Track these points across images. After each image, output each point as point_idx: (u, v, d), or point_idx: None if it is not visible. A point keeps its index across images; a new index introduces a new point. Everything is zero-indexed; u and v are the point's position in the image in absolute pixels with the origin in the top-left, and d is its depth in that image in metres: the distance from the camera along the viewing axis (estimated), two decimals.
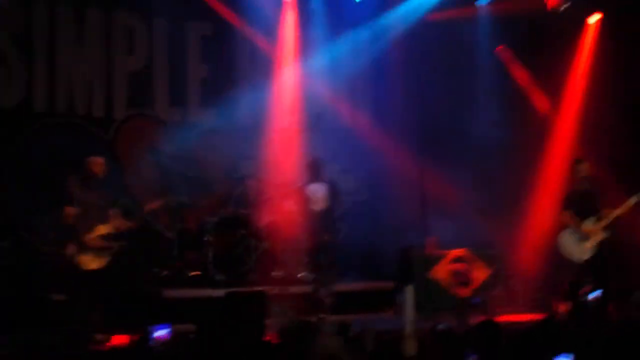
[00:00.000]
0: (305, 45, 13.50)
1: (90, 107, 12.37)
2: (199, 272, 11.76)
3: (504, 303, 11.64)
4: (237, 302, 9.02)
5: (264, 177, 12.99)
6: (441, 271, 11.68)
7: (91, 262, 9.18)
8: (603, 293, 9.89)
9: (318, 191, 10.78)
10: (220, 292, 9.99)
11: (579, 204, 10.47)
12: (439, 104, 13.23)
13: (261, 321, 8.77)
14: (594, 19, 13.47)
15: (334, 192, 10.89)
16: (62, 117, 12.17)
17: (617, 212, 10.32)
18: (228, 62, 13.27)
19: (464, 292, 11.71)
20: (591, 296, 9.96)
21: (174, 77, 12.93)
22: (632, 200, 10.23)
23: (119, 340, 8.49)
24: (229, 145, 12.85)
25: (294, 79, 13.40)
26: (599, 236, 10.35)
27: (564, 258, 10.58)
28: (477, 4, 13.62)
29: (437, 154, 12.68)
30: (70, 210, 9.21)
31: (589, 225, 10.41)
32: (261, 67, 13.41)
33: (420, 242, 11.78)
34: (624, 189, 10.81)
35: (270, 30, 13.24)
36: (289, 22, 13.39)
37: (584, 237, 10.39)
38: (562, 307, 10.30)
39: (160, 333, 8.03)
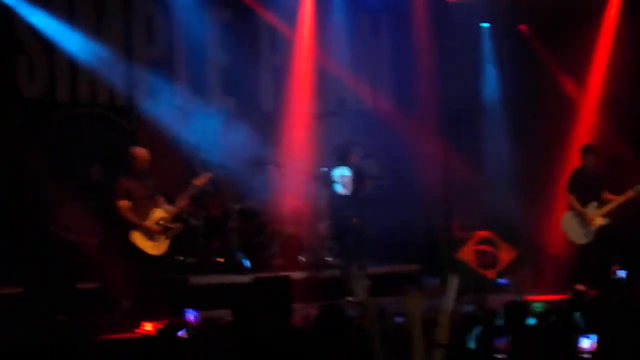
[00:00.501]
0: (325, 30, 13.41)
1: (112, 96, 12.34)
2: (223, 259, 11.76)
3: (531, 284, 11.57)
4: (263, 287, 9.04)
5: (287, 163, 13.01)
6: (467, 252, 11.68)
7: (155, 248, 9.38)
8: (630, 274, 9.89)
9: (344, 175, 10.77)
10: (246, 278, 10.03)
11: (583, 187, 10.73)
12: (460, 86, 13.13)
13: (288, 305, 8.76)
14: None
15: (360, 176, 10.84)
16: (85, 106, 12.15)
17: (618, 200, 10.60)
18: (249, 48, 13.15)
19: (491, 273, 11.71)
20: (619, 275, 9.95)
21: (195, 65, 12.88)
22: (633, 192, 10.49)
23: (148, 327, 8.49)
24: (251, 132, 12.83)
25: (315, 64, 13.33)
26: (599, 222, 10.58)
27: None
28: None
29: (461, 136, 12.61)
30: (125, 204, 9.35)
31: (590, 210, 10.64)
32: (282, 53, 13.34)
33: (446, 225, 11.69)
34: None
35: (290, 15, 13.16)
36: (308, 6, 13.28)
37: (585, 221, 10.61)
38: (582, 287, 10.34)
39: (190, 317, 8.07)
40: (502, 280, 11.52)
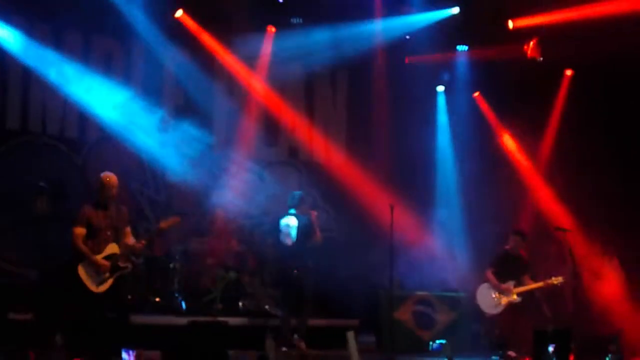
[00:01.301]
0: (282, 79, 13.54)
1: (62, 127, 12.30)
2: (160, 299, 11.66)
3: (467, 347, 11.67)
4: (199, 331, 8.95)
5: (234, 207, 13.03)
6: (405, 312, 11.72)
7: (98, 285, 8.82)
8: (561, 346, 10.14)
9: (290, 224, 10.73)
10: (183, 320, 9.94)
11: (505, 265, 11.19)
12: (413, 143, 13.39)
13: (223, 352, 8.70)
14: (569, 72, 13.76)
15: (309, 227, 10.80)
16: (35, 135, 12.10)
17: (535, 285, 11.08)
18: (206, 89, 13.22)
19: (427, 334, 11.76)
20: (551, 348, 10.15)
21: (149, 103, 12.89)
22: (550, 281, 10.96)
23: None
24: (201, 174, 12.85)
25: (269, 110, 13.47)
26: (512, 298, 10.98)
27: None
28: (458, 49, 13.77)
29: (410, 193, 12.76)
30: (80, 231, 8.86)
31: (507, 285, 11.04)
32: (237, 96, 13.42)
33: (386, 282, 11.74)
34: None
35: (250, 60, 13.30)
36: (267, 55, 13.40)
37: (500, 294, 11.03)
38: (513, 354, 10.71)
39: (125, 357, 8.02)
40: (436, 345, 11.61)
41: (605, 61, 12.32)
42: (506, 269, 11.13)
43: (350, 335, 6.64)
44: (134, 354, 8.26)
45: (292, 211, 10.78)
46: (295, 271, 10.52)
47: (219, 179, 13.13)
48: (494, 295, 11.04)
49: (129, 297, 11.10)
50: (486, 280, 11.16)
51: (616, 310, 12.13)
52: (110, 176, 9.12)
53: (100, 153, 12.44)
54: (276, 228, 10.82)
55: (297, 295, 10.60)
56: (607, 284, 12.46)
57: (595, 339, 11.15)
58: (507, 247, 11.33)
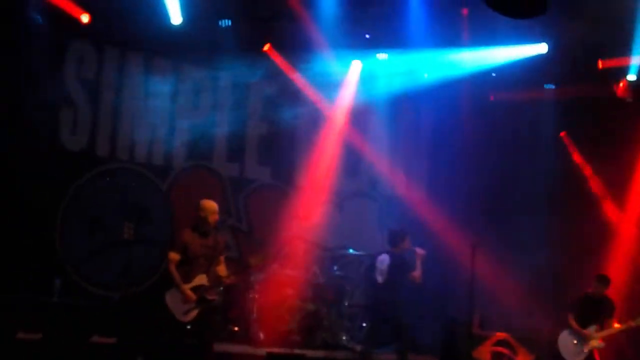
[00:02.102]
0: (364, 112, 13.61)
1: (150, 155, 12.59)
2: (237, 329, 11.74)
3: None
4: None
5: (312, 237, 13.09)
6: (484, 352, 11.59)
7: (184, 314, 8.87)
8: None
9: (384, 262, 10.68)
10: (261, 352, 9.99)
11: (586, 309, 10.92)
12: (497, 183, 13.28)
13: None
14: None
15: (402, 264, 10.62)
16: (122, 162, 12.41)
17: (619, 327, 10.85)
18: (288, 121, 13.37)
19: None
20: None
21: (234, 133, 13.10)
22: (635, 322, 10.72)
23: None
24: (281, 203, 12.96)
25: (348, 143, 13.53)
26: (595, 343, 10.74)
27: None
28: (545, 87, 13.54)
29: (492, 235, 12.59)
30: (175, 257, 8.90)
31: (590, 330, 10.79)
32: (319, 129, 13.53)
33: (466, 320, 11.61)
34: None
35: (331, 92, 13.39)
36: (351, 87, 13.49)
37: (582, 340, 10.78)
38: None
39: None
40: None
41: None
42: (588, 312, 10.87)
43: None
44: None
45: (388, 247, 10.73)
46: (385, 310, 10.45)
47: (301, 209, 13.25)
48: (575, 342, 10.83)
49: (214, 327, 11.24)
50: (568, 326, 10.95)
51: None
52: (211, 203, 9.17)
53: (184, 181, 12.66)
54: (372, 265, 10.81)
55: (391, 331, 10.51)
56: None
57: None
58: (589, 290, 11.13)
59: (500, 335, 11.85)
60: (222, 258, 9.19)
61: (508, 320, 12.21)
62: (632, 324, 10.76)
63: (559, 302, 12.23)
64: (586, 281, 11.39)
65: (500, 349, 11.79)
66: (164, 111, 12.54)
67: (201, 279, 8.97)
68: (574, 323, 10.86)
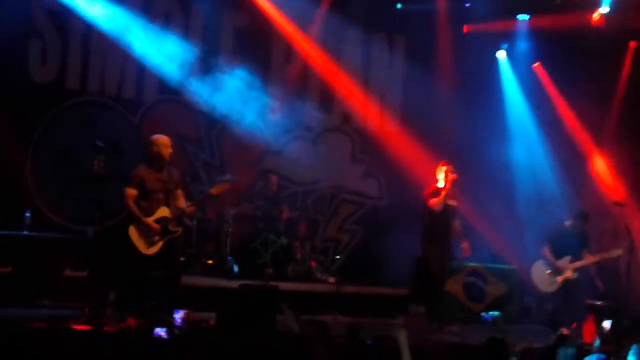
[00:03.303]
0: (339, 44, 13.46)
1: (121, 88, 12.41)
2: (212, 262, 11.77)
3: (517, 320, 11.58)
4: (250, 295, 9.00)
5: (287, 173, 13.07)
6: (456, 284, 11.66)
7: (148, 247, 8.98)
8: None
9: None
10: (235, 284, 10.02)
11: (562, 241, 11.01)
12: (471, 114, 13.22)
13: (273, 316, 8.75)
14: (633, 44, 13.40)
15: None
16: (93, 95, 12.24)
17: (595, 259, 10.96)
18: (263, 56, 13.17)
19: (477, 306, 11.70)
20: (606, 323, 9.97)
21: (207, 67, 12.92)
22: (614, 253, 10.84)
23: (131, 322, 8.48)
24: (256, 139, 12.89)
25: (327, 77, 13.39)
26: (569, 274, 10.81)
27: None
28: (519, 18, 13.48)
29: (464, 166, 12.58)
30: (132, 192, 8.99)
31: (564, 262, 10.87)
32: (294, 63, 13.34)
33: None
34: None
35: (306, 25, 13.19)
36: (323, 20, 13.27)
37: (556, 271, 10.89)
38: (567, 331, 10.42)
39: (176, 317, 8.15)
40: (487, 315, 11.51)
41: None
42: (563, 244, 10.96)
43: (402, 334, 6.62)
44: (183, 314, 8.37)
45: None
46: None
47: (272, 145, 13.20)
48: (549, 272, 10.91)
49: (181, 259, 11.23)
50: (542, 257, 11.03)
51: None
52: (163, 138, 9.20)
53: (156, 115, 12.52)
54: None
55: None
56: None
57: None
58: (567, 223, 11.15)
59: (473, 267, 11.95)
60: (179, 192, 9.28)
61: (481, 253, 12.27)
62: (606, 256, 10.87)
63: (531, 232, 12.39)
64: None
65: (472, 280, 11.89)
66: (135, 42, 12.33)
67: (163, 212, 9.08)
68: (548, 254, 10.96)
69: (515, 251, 12.50)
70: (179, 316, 8.39)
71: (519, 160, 13.30)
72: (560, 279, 10.87)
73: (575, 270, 10.88)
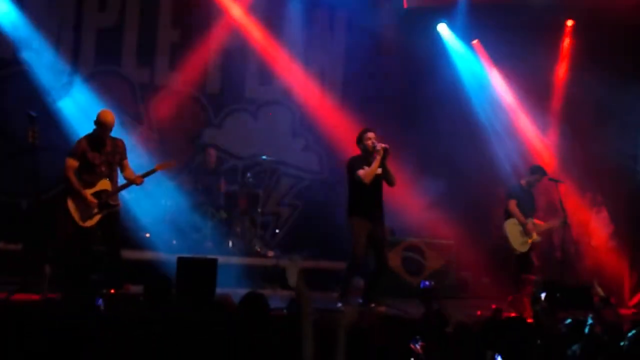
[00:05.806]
0: (279, 19, 13.37)
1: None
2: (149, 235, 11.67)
3: (455, 294, 11.70)
4: (187, 267, 8.93)
5: (226, 146, 12.98)
6: (395, 257, 11.71)
7: (85, 219, 8.91)
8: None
9: None
10: (172, 257, 9.92)
11: (524, 199, 10.86)
12: (410, 88, 13.31)
13: (211, 288, 8.70)
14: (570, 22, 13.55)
15: None
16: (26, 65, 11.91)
17: (551, 224, 11.03)
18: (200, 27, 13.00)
19: (415, 280, 11.78)
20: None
21: (144, 38, 12.71)
22: (552, 223, 10.94)
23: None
24: (194, 113, 12.76)
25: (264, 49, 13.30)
26: (535, 236, 10.75)
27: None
28: None
29: (403, 139, 12.63)
30: (73, 163, 8.90)
31: (530, 223, 10.76)
32: (233, 35, 13.21)
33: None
34: None
35: None
36: None
37: (525, 231, 10.73)
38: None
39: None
40: (425, 282, 11.57)
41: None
42: (525, 203, 10.82)
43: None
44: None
45: None
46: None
47: (212, 118, 13.08)
48: (521, 231, 10.72)
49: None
50: (511, 214, 10.82)
51: (603, 261, 12.18)
52: (108, 113, 9.09)
53: (92, 86, 12.29)
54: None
55: None
56: (595, 234, 12.47)
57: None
58: (522, 181, 11.12)
59: (411, 241, 12.04)
60: (126, 162, 9.21)
61: (418, 230, 12.38)
62: (556, 222, 10.90)
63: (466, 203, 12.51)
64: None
65: (410, 254, 11.98)
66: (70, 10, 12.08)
67: (104, 184, 9.01)
68: (518, 212, 10.74)
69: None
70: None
71: (461, 132, 13.31)
72: (530, 239, 10.72)
73: (539, 233, 10.77)
